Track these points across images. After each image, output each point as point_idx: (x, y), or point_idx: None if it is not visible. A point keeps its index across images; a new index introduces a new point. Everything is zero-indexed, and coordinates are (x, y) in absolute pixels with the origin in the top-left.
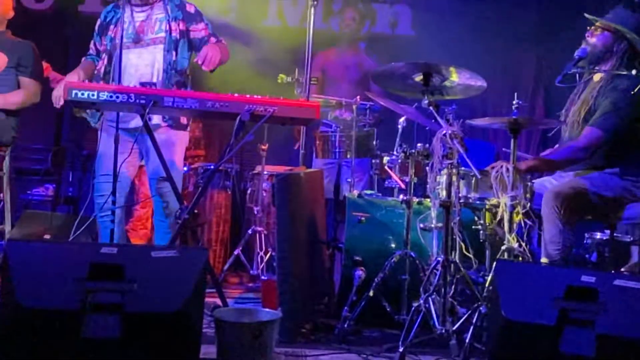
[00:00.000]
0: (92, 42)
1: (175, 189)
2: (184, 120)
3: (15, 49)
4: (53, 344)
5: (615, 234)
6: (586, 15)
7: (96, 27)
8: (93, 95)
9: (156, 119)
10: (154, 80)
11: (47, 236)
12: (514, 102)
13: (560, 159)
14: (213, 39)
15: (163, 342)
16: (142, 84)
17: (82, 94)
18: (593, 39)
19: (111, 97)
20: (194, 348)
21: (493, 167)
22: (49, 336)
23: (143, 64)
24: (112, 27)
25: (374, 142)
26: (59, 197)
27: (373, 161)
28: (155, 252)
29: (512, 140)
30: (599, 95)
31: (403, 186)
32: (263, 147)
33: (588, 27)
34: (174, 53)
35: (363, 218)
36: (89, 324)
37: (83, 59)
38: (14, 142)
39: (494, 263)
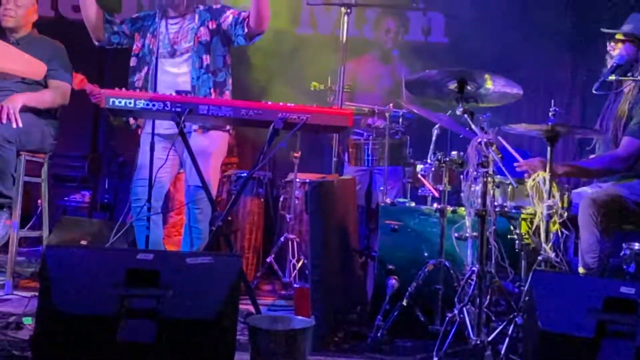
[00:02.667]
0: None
1: (210, 196)
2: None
3: (44, 50)
4: (89, 348)
5: None
6: (603, 30)
7: (133, 16)
8: (130, 103)
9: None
10: (189, 88)
11: (83, 242)
12: (551, 109)
13: (598, 168)
14: (244, 13)
15: (197, 348)
16: (178, 92)
17: (120, 102)
18: (616, 52)
19: (147, 105)
20: (228, 355)
21: (531, 167)
22: (85, 341)
23: (178, 74)
24: (148, 35)
25: (407, 150)
26: (95, 203)
27: (406, 169)
28: (190, 258)
29: (548, 149)
30: (635, 104)
31: (437, 194)
32: (295, 154)
33: (608, 42)
34: (206, 56)
35: (396, 226)
36: (124, 328)
37: None
38: (52, 149)
39: (530, 273)
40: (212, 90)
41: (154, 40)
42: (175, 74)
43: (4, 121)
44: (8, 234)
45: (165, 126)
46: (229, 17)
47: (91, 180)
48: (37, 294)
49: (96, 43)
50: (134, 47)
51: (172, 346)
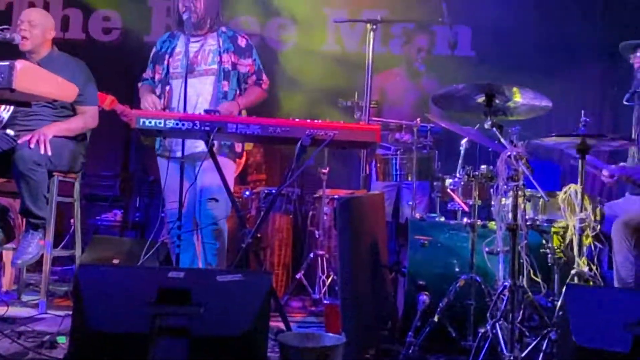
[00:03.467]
0: (147, 69)
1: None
2: (238, 148)
3: (68, 69)
4: None
5: None
6: (623, 43)
7: (151, 55)
8: (160, 123)
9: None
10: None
11: (115, 261)
12: (581, 120)
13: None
14: (254, 77)
15: None
16: (207, 111)
17: (150, 122)
18: None
19: (177, 124)
20: None
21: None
22: (118, 357)
23: (194, 94)
24: (167, 56)
25: (435, 165)
26: (127, 222)
27: (435, 184)
28: (220, 276)
29: (579, 161)
30: None
31: (466, 209)
32: (324, 171)
33: (632, 54)
34: (225, 83)
35: (426, 241)
36: (157, 348)
37: (140, 84)
38: (83, 169)
39: (564, 288)
40: None
41: (171, 61)
42: (195, 94)
43: (32, 145)
44: (41, 253)
45: (175, 149)
46: (246, 67)
47: (122, 199)
48: (70, 312)
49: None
50: (156, 75)
51: None
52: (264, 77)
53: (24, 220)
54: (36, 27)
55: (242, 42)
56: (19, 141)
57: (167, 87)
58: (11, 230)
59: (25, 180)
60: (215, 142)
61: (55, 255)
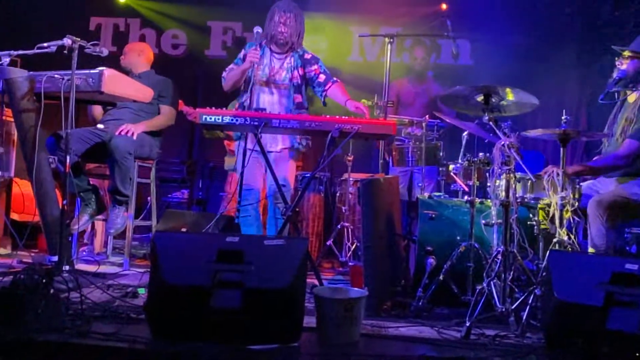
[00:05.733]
0: (236, 63)
1: (284, 197)
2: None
3: (158, 83)
4: (189, 310)
5: None
6: (613, 47)
7: (241, 55)
8: (219, 119)
9: (280, 145)
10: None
11: (184, 229)
12: (563, 117)
13: (603, 166)
14: (323, 77)
15: (274, 312)
16: (256, 109)
17: (210, 118)
18: (623, 66)
19: (232, 120)
20: (299, 318)
21: (545, 172)
22: (186, 304)
23: (272, 101)
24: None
25: (441, 153)
26: (192, 199)
27: (440, 169)
28: (267, 240)
29: (561, 150)
30: (638, 111)
31: (467, 189)
32: (349, 158)
33: (616, 58)
34: (297, 96)
35: (433, 215)
36: (216, 296)
37: (225, 73)
38: (158, 157)
39: (547, 253)
40: None
41: (257, 68)
42: (272, 102)
43: (123, 134)
44: (126, 223)
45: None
46: (313, 70)
47: (188, 181)
48: (148, 269)
49: (227, 90)
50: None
51: (254, 310)
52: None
53: (111, 197)
54: (129, 55)
55: (307, 56)
56: (116, 133)
57: (252, 90)
58: (102, 205)
59: (118, 165)
60: (288, 146)
61: (135, 225)
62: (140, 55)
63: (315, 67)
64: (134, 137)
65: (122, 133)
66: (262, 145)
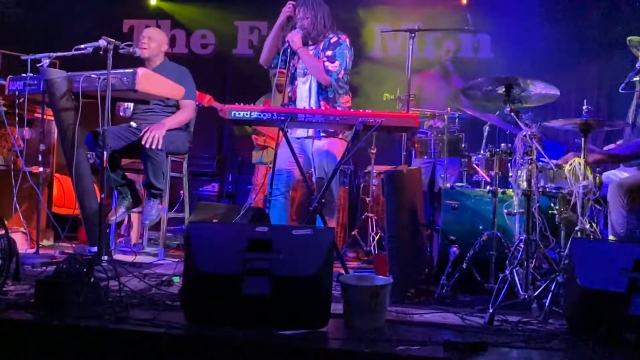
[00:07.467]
0: None
1: (329, 186)
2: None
3: (175, 73)
4: (221, 297)
5: None
6: (629, 38)
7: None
8: (247, 114)
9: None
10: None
11: (215, 220)
12: (584, 107)
13: (624, 154)
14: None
15: (302, 299)
16: (282, 105)
17: (239, 114)
18: None
19: (259, 115)
20: (326, 304)
21: (566, 160)
22: (218, 291)
23: (306, 93)
24: (296, 57)
25: (463, 145)
26: (222, 192)
27: (462, 160)
28: (295, 230)
29: (582, 139)
30: None
31: (488, 180)
32: (372, 150)
33: (637, 48)
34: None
35: (456, 205)
36: (247, 283)
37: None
38: (189, 152)
39: (569, 241)
40: (322, 103)
41: (297, 62)
42: (308, 94)
43: (147, 145)
44: (160, 215)
45: (299, 133)
46: (324, 55)
47: (219, 175)
48: (182, 259)
49: (264, 65)
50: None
51: (283, 297)
52: (331, 66)
53: (146, 191)
54: (153, 42)
55: (332, 39)
56: (142, 142)
57: (295, 83)
58: (138, 198)
59: (151, 161)
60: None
61: (169, 217)
62: (160, 47)
63: (329, 53)
64: (160, 142)
65: (147, 145)
66: (289, 140)
